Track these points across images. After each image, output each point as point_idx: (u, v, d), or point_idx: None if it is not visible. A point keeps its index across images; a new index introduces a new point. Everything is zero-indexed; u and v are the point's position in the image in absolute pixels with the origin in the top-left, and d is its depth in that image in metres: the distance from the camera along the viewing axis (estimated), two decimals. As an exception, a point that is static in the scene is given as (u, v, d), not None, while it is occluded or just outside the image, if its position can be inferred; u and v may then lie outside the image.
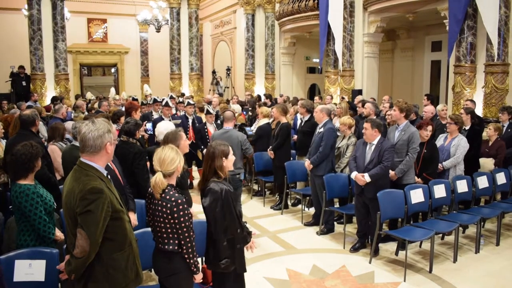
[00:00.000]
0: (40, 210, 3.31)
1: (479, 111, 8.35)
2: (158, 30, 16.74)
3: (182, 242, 2.86)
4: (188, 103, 8.19)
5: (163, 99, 8.29)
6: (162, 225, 2.87)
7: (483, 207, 5.83)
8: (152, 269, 3.99)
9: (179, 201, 2.81)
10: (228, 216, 3.13)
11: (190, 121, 7.99)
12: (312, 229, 6.04)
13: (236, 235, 3.18)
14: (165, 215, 2.83)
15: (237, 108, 9.11)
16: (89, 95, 14.43)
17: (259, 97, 12.96)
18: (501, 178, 6.02)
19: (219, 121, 8.17)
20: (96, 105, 10.60)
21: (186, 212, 2.83)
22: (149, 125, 6.58)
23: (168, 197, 2.83)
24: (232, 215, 3.15)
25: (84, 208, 2.38)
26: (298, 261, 5.01)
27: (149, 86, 15.79)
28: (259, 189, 7.86)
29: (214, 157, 3.24)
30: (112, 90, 15.82)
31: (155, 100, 8.92)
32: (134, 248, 2.67)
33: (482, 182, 5.83)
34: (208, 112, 7.68)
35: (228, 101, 12.31)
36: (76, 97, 14.81)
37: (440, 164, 5.75)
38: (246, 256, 4.76)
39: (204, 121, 7.85)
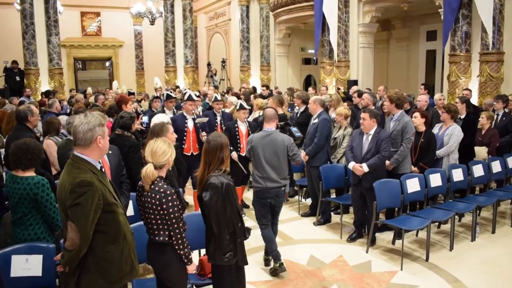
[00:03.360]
0: (53, 199, 3.37)
1: (474, 100, 8.37)
2: (152, 23, 16.65)
3: (172, 233, 2.87)
4: (216, 99, 6.88)
5: (185, 93, 6.80)
6: (152, 216, 2.89)
7: (479, 196, 5.86)
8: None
9: (168, 192, 2.83)
10: (229, 209, 3.13)
11: (219, 119, 6.79)
12: (309, 220, 6.06)
13: (237, 228, 3.18)
14: (154, 207, 2.85)
15: (233, 100, 9.05)
16: (89, 90, 14.34)
17: (254, 88, 12.92)
18: (496, 167, 6.05)
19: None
20: (91, 99, 10.55)
21: (175, 203, 2.84)
22: (145, 118, 6.46)
23: (157, 188, 2.85)
24: (233, 208, 3.14)
25: (74, 201, 2.39)
26: (296, 252, 5.03)
27: (160, 78, 15.48)
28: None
29: (222, 147, 3.22)
30: (115, 83, 15.69)
31: (168, 96, 7.20)
32: (129, 241, 2.66)
33: (478, 170, 5.85)
34: (242, 107, 6.33)
35: (227, 91, 12.24)
36: (70, 91, 14.75)
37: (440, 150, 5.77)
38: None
39: (236, 118, 6.56)
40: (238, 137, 6.15)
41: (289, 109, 6.79)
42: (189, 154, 5.95)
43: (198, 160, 6.10)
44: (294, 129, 5.13)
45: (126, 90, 14.28)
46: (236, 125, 6.25)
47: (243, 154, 5.96)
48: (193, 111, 6.23)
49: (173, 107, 7.18)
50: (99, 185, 2.46)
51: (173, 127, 5.68)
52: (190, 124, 6.03)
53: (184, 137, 5.95)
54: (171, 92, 8.08)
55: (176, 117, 6.21)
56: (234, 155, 5.95)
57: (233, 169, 6.07)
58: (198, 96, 8.68)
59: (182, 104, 6.73)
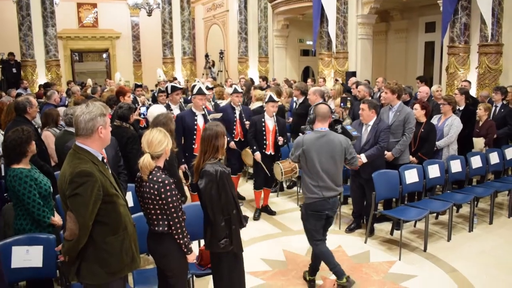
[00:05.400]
0: (33, 193, 3.32)
1: (473, 91, 8.37)
2: (149, 14, 16.50)
3: (171, 223, 2.88)
4: (235, 90, 6.10)
5: (193, 86, 5.89)
6: (151, 206, 2.90)
7: (477, 187, 5.89)
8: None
9: (166, 181, 2.83)
10: (224, 196, 3.15)
11: (237, 113, 6.06)
12: (307, 211, 6.07)
13: (232, 215, 3.21)
14: (153, 197, 2.86)
15: (231, 91, 8.99)
16: (89, 82, 14.24)
17: (251, 80, 12.88)
18: (494, 158, 6.07)
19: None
20: (89, 91, 10.49)
21: (173, 192, 2.85)
22: (143, 109, 6.41)
23: (155, 178, 2.85)
24: (227, 195, 3.17)
25: (73, 191, 2.39)
26: (295, 242, 5.05)
27: (162, 70, 15.13)
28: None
29: (217, 135, 3.24)
30: (118, 74, 15.46)
31: (174, 88, 6.26)
32: (131, 232, 2.66)
33: (476, 162, 5.87)
34: (271, 99, 5.61)
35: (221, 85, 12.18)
36: (68, 83, 14.68)
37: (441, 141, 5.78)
38: (243, 238, 4.79)
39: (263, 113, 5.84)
40: (264, 133, 5.64)
41: (342, 104, 6.11)
42: None
43: None
44: (348, 127, 4.23)
45: (124, 82, 14.15)
46: (263, 120, 5.64)
47: (269, 153, 5.68)
48: (203, 106, 5.54)
49: (180, 100, 6.40)
50: (99, 175, 2.45)
51: (181, 125, 5.26)
52: (200, 121, 5.40)
53: (194, 136, 5.35)
54: (175, 83, 7.13)
55: (184, 114, 5.53)
56: (258, 156, 5.60)
57: (257, 171, 5.78)
58: (211, 88, 7.77)
59: (190, 98, 6.14)
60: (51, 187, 3.52)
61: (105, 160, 2.64)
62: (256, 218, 5.74)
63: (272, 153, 5.73)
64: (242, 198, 6.40)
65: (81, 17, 19.55)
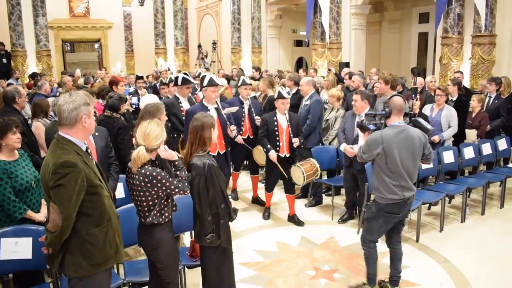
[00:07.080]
0: (4, 187, 3.25)
1: (466, 82, 8.38)
2: (141, 3, 16.34)
3: (179, 189, 2.87)
4: (244, 83, 5.67)
5: (204, 77, 5.25)
6: (141, 198, 2.87)
7: (469, 177, 5.91)
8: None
9: (154, 173, 2.80)
10: (212, 190, 3.11)
11: (246, 108, 5.67)
12: (300, 202, 6.06)
13: (220, 209, 3.17)
14: (139, 188, 2.83)
15: (223, 82, 8.94)
16: (77, 72, 14.06)
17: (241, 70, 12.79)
18: (486, 149, 6.09)
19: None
20: (80, 81, 10.37)
21: (165, 180, 2.81)
22: (134, 99, 6.32)
23: (143, 171, 2.81)
24: (215, 189, 3.13)
25: (56, 182, 2.34)
26: (287, 233, 5.05)
27: (164, 60, 14.86)
28: (247, 163, 7.82)
29: (203, 127, 3.18)
30: (118, 65, 15.18)
31: (185, 81, 5.55)
32: (115, 224, 2.61)
33: (468, 152, 5.89)
34: (281, 96, 5.12)
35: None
36: (62, 74, 14.51)
37: (437, 136, 5.78)
38: (235, 229, 4.77)
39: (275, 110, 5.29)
40: (277, 133, 5.15)
41: (413, 96, 5.58)
42: (215, 154, 4.87)
43: (226, 160, 5.06)
44: (421, 120, 3.88)
45: (122, 73, 13.98)
46: (275, 118, 5.16)
47: (283, 155, 5.18)
48: (216, 99, 5.00)
49: (189, 94, 5.75)
50: (83, 166, 2.41)
51: None
52: (213, 116, 4.84)
53: None
54: (187, 75, 6.01)
55: (195, 108, 4.91)
56: (274, 156, 5.10)
57: (269, 172, 5.39)
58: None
59: (201, 90, 5.65)
60: (30, 181, 3.41)
61: (89, 151, 2.59)
62: (266, 218, 5.49)
63: (287, 155, 5.22)
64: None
65: (72, 6, 19.28)
